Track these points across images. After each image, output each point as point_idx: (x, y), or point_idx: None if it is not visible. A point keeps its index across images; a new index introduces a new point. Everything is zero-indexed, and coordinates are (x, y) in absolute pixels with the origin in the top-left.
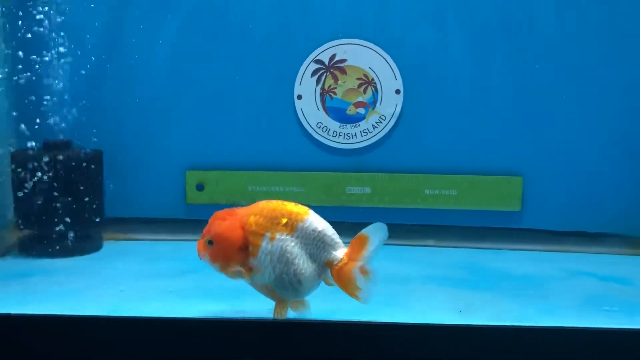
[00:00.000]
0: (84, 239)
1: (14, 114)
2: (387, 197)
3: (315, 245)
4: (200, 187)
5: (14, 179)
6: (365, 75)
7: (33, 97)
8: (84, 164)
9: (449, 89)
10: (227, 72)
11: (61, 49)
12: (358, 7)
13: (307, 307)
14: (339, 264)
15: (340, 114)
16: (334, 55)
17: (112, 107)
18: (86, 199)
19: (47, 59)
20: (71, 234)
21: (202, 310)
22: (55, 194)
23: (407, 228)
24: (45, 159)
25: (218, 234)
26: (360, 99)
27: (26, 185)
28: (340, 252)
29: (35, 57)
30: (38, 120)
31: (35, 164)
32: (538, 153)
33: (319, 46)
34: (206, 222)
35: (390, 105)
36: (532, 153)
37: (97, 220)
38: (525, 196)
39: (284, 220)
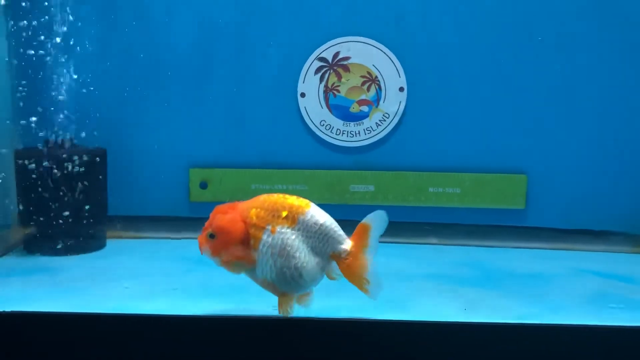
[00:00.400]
0: (87, 237)
1: (18, 112)
2: (390, 195)
3: (318, 238)
4: (203, 185)
5: (18, 177)
6: (369, 73)
7: (37, 96)
8: (88, 162)
9: (452, 86)
10: (230, 70)
11: (64, 48)
12: (361, 5)
13: (312, 299)
14: (349, 258)
15: (343, 112)
16: (337, 53)
17: (115, 105)
18: (90, 197)
19: (50, 57)
20: (75, 232)
21: (206, 308)
22: (59, 192)
23: (411, 226)
24: (49, 157)
25: (219, 227)
26: (363, 96)
27: (30, 183)
28: (347, 245)
29: (38, 55)
30: (41, 119)
31: (39, 162)
32: (542, 151)
33: (323, 44)
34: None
35: (394, 103)
36: (536, 151)
37: (101, 218)
38: (530, 194)
39: (285, 213)
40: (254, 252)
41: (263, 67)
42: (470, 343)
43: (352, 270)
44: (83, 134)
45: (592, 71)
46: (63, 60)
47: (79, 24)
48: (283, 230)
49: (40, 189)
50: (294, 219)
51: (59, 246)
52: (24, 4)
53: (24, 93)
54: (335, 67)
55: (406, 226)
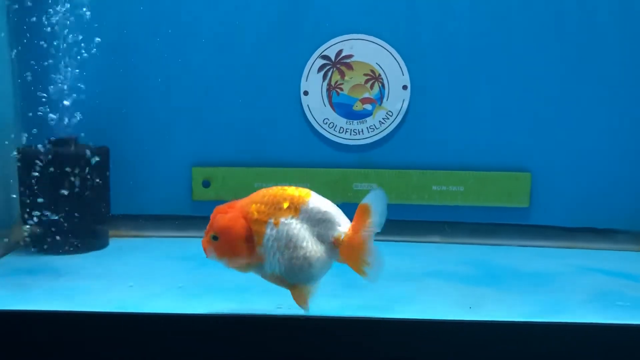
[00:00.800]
0: (90, 236)
1: (20, 110)
2: (394, 193)
3: (322, 225)
4: (206, 184)
5: (21, 175)
6: (372, 71)
7: (39, 94)
8: (90, 161)
9: (456, 84)
10: (233, 68)
11: (67, 46)
12: (365, 2)
13: (310, 296)
14: (345, 238)
15: (346, 110)
16: (340, 51)
17: (118, 104)
18: (92, 196)
19: (53, 55)
20: (77, 231)
21: (211, 307)
22: (62, 190)
23: (415, 224)
24: (52, 155)
25: (221, 227)
26: (367, 94)
27: (32, 181)
28: (346, 227)
29: (41, 53)
30: (44, 117)
31: (42, 160)
32: (546, 149)
33: (326, 42)
34: None
35: (397, 101)
36: (540, 149)
37: (104, 217)
38: (534, 192)
39: (286, 205)
40: (259, 247)
41: (266, 65)
42: (475, 341)
43: (348, 251)
44: (85, 133)
45: (596, 69)
46: (66, 58)
47: (82, 22)
48: (287, 221)
49: (43, 188)
50: (296, 209)
51: (62, 245)
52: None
53: (27, 91)
54: (338, 65)
55: (409, 224)
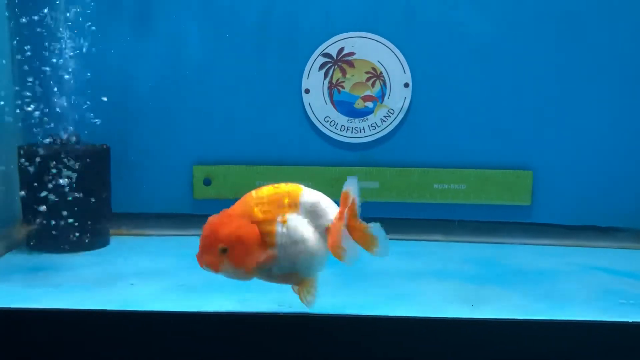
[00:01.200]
0: (91, 235)
1: (22, 109)
2: (395, 191)
3: (316, 216)
4: (207, 182)
5: (22, 173)
6: (374, 69)
7: (41, 93)
8: (91, 160)
9: (458, 82)
10: (234, 66)
11: (69, 44)
12: (366, 0)
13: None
14: (330, 225)
15: (348, 108)
16: (342, 49)
17: (119, 103)
18: (93, 194)
19: (54, 54)
20: (78, 229)
21: (212, 305)
22: (63, 189)
23: (416, 223)
24: (53, 154)
25: (232, 237)
26: (368, 92)
27: (34, 180)
28: (332, 215)
29: (42, 51)
30: (45, 116)
31: (43, 159)
32: (548, 146)
33: (327, 39)
34: None
35: (398, 99)
36: (542, 147)
37: (105, 215)
38: (536, 190)
39: (287, 201)
40: (272, 248)
41: (267, 63)
42: (477, 339)
43: (330, 237)
44: (86, 132)
45: (598, 67)
46: (67, 56)
47: (84, 20)
48: (292, 216)
49: (44, 186)
50: (296, 204)
51: (63, 243)
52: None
53: (28, 89)
54: (339, 63)
55: (411, 223)
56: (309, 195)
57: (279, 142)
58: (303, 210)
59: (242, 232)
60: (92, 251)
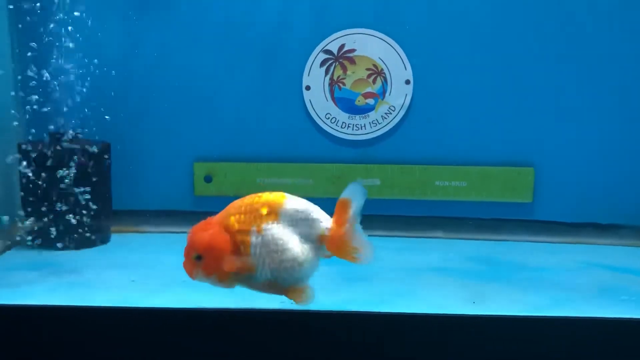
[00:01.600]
0: (91, 232)
1: (21, 105)
2: (396, 188)
3: (303, 224)
4: (208, 179)
5: (22, 170)
6: (375, 66)
7: (40, 89)
8: (92, 156)
9: (459, 79)
10: (234, 63)
11: (69, 42)
12: None
13: (312, 295)
14: (330, 233)
15: (349, 105)
16: (342, 45)
17: (119, 99)
18: (94, 191)
19: (55, 51)
20: (79, 227)
21: (214, 301)
22: (63, 186)
23: (417, 220)
24: (53, 151)
25: (204, 245)
26: (369, 89)
27: (34, 177)
28: (328, 223)
29: (42, 49)
30: (46, 112)
31: (43, 155)
32: (550, 143)
33: (328, 36)
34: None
35: (399, 95)
36: (543, 143)
37: (105, 212)
38: (537, 187)
39: (265, 210)
40: (247, 257)
41: (268, 60)
42: (479, 336)
43: (337, 245)
44: (86, 129)
45: (600, 64)
46: (67, 53)
47: (85, 17)
48: (269, 226)
49: (44, 183)
50: (276, 213)
51: (63, 240)
52: None
53: (27, 86)
54: (340, 60)
55: (412, 220)
56: (292, 203)
57: (279, 139)
58: (285, 219)
59: (214, 240)
60: (92, 248)
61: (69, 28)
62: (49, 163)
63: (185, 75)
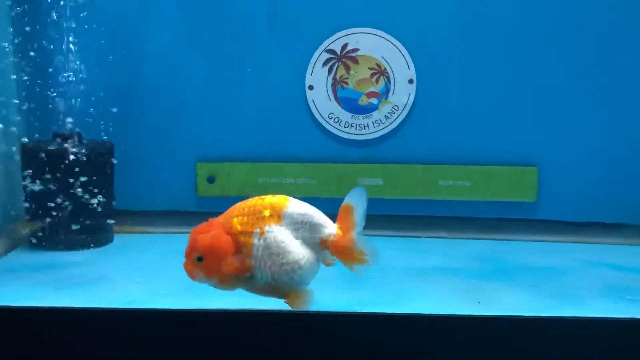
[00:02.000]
0: (95, 232)
1: (24, 105)
2: (400, 188)
3: (306, 228)
4: (211, 180)
5: (24, 171)
6: (378, 65)
7: (43, 89)
8: (95, 157)
9: (462, 78)
10: (237, 63)
11: (71, 41)
12: None
13: (311, 300)
14: (335, 238)
15: (352, 105)
16: (345, 45)
17: (122, 99)
18: (97, 192)
19: (57, 51)
20: (82, 227)
21: (220, 302)
22: (66, 186)
23: (421, 220)
24: (55, 151)
25: (205, 247)
26: (372, 89)
27: (36, 177)
28: (332, 228)
29: (44, 48)
30: (48, 112)
31: (45, 156)
32: (553, 143)
33: (331, 35)
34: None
35: (403, 95)
36: (547, 143)
37: (108, 213)
38: (541, 187)
39: (268, 212)
40: (248, 259)
41: (270, 60)
42: (485, 336)
43: (343, 250)
44: (89, 129)
45: (604, 62)
46: (70, 53)
47: (89, 14)
48: (272, 228)
49: (47, 184)
50: (279, 216)
51: (66, 241)
52: None
53: (30, 87)
54: (343, 59)
55: (416, 220)
56: (296, 207)
57: (282, 139)
58: (288, 222)
59: (216, 242)
60: (95, 249)
61: (71, 27)
62: (52, 163)
63: (188, 76)
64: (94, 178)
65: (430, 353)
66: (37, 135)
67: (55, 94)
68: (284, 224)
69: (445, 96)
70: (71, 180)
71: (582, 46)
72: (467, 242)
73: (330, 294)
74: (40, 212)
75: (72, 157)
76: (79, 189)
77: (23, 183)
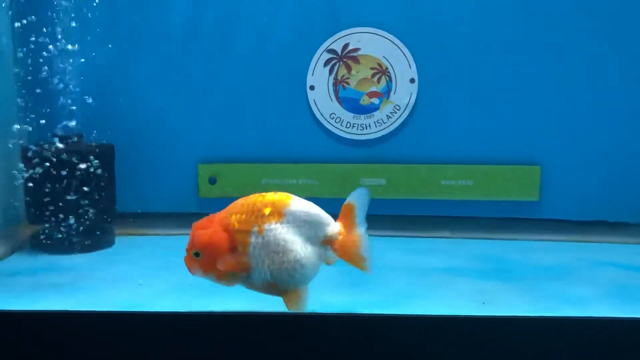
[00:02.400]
0: (96, 235)
1: (25, 108)
2: (402, 188)
3: (308, 226)
4: (212, 181)
5: (25, 173)
6: (379, 65)
7: (44, 91)
8: (96, 159)
9: (464, 77)
10: (238, 64)
11: (72, 42)
12: None
13: (307, 300)
14: (341, 238)
15: (353, 105)
16: (346, 45)
17: (123, 101)
18: (98, 194)
19: (58, 52)
20: (83, 229)
21: (222, 304)
22: (67, 188)
23: (424, 220)
24: (57, 153)
25: (203, 242)
26: (374, 88)
27: (37, 180)
28: (335, 227)
29: (46, 50)
30: (49, 115)
31: (47, 158)
32: (556, 142)
33: (332, 35)
34: None
35: (404, 94)
36: (550, 142)
37: (110, 215)
38: (544, 186)
39: (268, 210)
40: (245, 257)
41: (272, 60)
42: (490, 337)
43: (346, 250)
44: (90, 131)
45: (606, 61)
46: (70, 55)
47: (90, 16)
48: (271, 227)
49: (48, 186)
50: (280, 214)
51: (68, 244)
52: None
53: (31, 88)
54: (344, 59)
55: (418, 219)
56: (298, 205)
57: (284, 140)
58: (289, 220)
59: (212, 239)
60: (97, 252)
61: (72, 30)
62: (53, 166)
63: (189, 77)
64: (95, 180)
65: (433, 354)
66: (37, 137)
67: (56, 96)
68: (285, 221)
69: (447, 95)
70: (72, 182)
71: (585, 45)
72: (470, 242)
73: (333, 296)
74: (41, 215)
75: (73, 159)
76: (80, 192)
77: (23, 186)
